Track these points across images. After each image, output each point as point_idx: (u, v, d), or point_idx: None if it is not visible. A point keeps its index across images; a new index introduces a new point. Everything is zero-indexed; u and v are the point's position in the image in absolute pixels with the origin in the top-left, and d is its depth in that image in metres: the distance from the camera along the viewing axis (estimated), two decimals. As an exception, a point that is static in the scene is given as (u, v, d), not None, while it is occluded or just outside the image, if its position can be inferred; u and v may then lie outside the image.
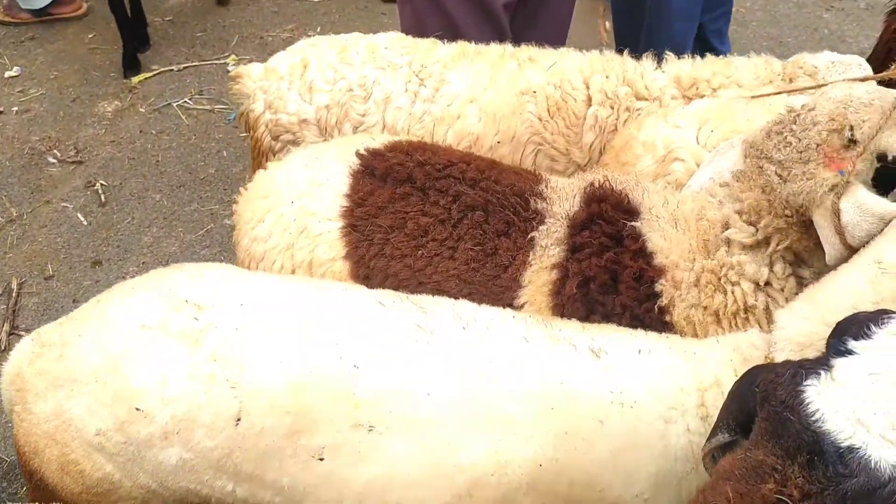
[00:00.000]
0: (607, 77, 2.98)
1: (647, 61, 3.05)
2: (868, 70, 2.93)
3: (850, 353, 1.50)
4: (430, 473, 1.90)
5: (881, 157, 2.16)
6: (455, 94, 2.99)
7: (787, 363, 1.57)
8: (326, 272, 2.48)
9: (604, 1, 4.76)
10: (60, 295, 4.19)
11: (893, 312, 1.56)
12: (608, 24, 4.80)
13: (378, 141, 2.68)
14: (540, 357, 1.97)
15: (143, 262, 4.35)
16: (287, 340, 1.97)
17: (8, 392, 2.05)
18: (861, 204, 2.07)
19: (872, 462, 1.35)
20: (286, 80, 3.12)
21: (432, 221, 2.43)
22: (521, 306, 2.34)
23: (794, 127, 2.23)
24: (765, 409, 1.51)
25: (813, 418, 1.41)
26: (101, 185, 4.81)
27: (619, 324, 2.20)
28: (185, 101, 5.39)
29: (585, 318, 2.26)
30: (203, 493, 1.97)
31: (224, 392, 1.91)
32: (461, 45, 3.15)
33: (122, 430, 1.92)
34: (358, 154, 2.59)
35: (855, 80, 2.64)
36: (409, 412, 1.90)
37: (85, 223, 4.61)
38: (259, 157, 3.18)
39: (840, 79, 2.83)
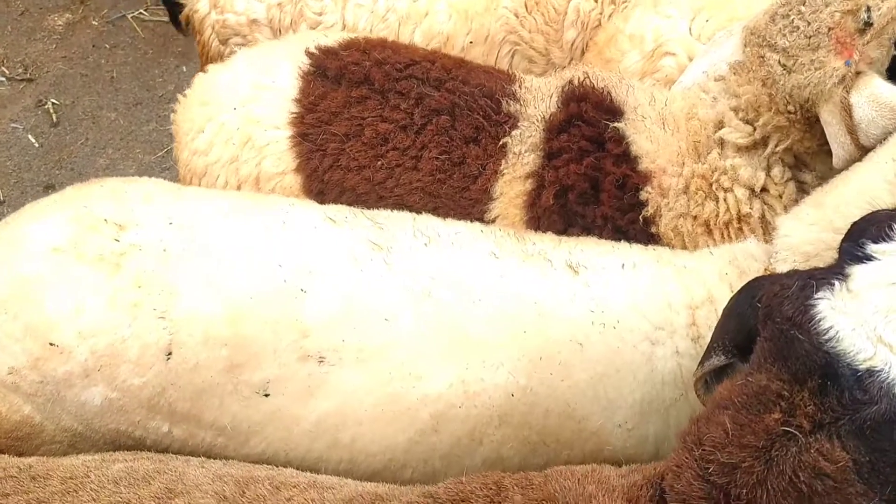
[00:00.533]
0: None
1: None
2: None
3: (868, 258, 1.32)
4: (389, 408, 1.73)
5: (897, 44, 1.98)
6: (422, -12, 2.74)
7: (793, 273, 1.39)
8: (276, 187, 2.28)
9: None
10: (11, 222, 3.97)
11: None
12: None
13: (331, 38, 2.43)
14: (511, 274, 1.79)
15: (99, 186, 4.12)
16: (223, 262, 1.77)
17: None
18: (877, 97, 1.88)
19: (894, 387, 1.18)
20: None
21: (393, 128, 2.22)
22: (493, 220, 2.16)
23: (803, 9, 2.01)
24: (768, 328, 1.33)
25: (826, 337, 1.25)
26: (53, 103, 4.54)
27: (601, 237, 2.01)
28: (141, 13, 5.05)
29: (563, 231, 2.07)
30: (136, 434, 1.79)
31: (151, 323, 1.71)
32: None
33: (37, 368, 1.72)
34: (308, 53, 2.34)
35: None
36: (365, 340, 1.73)
37: (36, 145, 4.35)
38: (207, 63, 2.91)
39: None
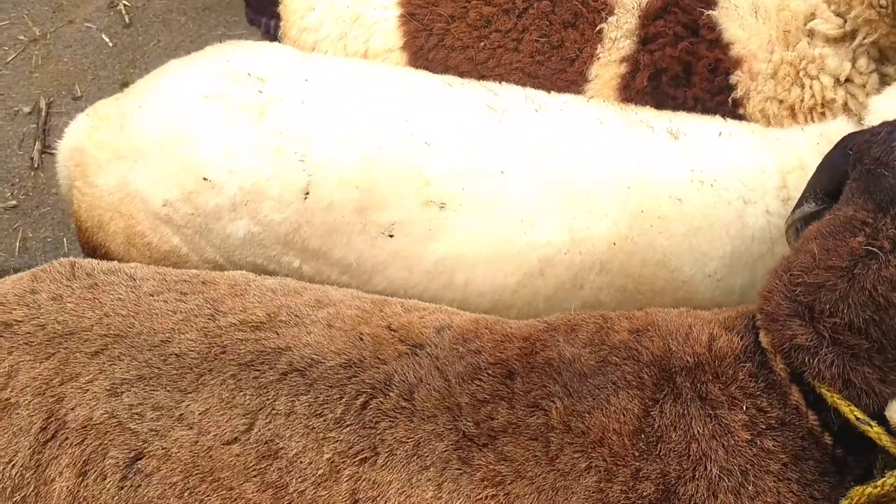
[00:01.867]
0: None
1: None
2: None
3: None
4: (501, 251, 1.90)
5: None
6: None
7: (884, 123, 1.52)
8: (383, 63, 2.40)
9: None
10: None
11: None
12: None
13: None
14: (616, 137, 1.95)
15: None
16: (356, 115, 1.94)
17: (66, 167, 2.04)
18: None
19: None
20: None
21: (496, 11, 2.35)
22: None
23: None
24: (857, 169, 1.48)
25: None
26: (125, 5, 4.62)
27: None
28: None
29: None
30: (270, 268, 1.98)
31: (292, 165, 1.89)
32: None
33: (190, 201, 1.91)
34: None
35: None
36: (482, 190, 1.89)
37: (110, 44, 4.47)
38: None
39: None
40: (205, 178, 1.89)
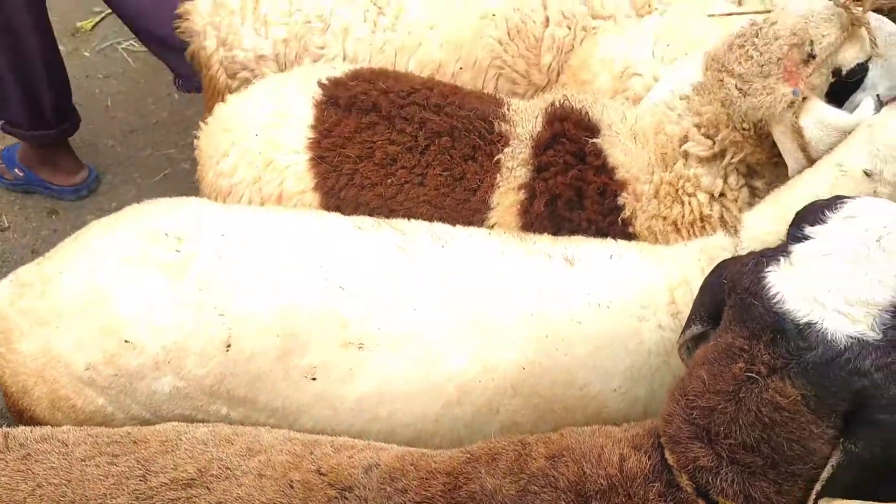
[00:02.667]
0: None
1: None
2: None
3: (806, 238, 1.60)
4: (420, 385, 1.99)
5: (836, 72, 2.25)
6: (415, 21, 2.99)
7: (751, 254, 1.68)
8: (297, 204, 2.53)
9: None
10: (18, 246, 4.15)
11: (848, 198, 1.67)
12: None
13: (339, 69, 2.70)
14: (517, 267, 2.08)
15: (101, 209, 4.29)
16: (271, 266, 2.03)
17: None
18: (822, 119, 2.15)
19: (829, 334, 1.45)
20: (238, 15, 3.04)
21: (400, 149, 2.48)
22: (491, 227, 2.42)
23: (756, 41, 2.28)
24: (731, 298, 1.62)
25: (774, 301, 1.51)
26: (50, 130, 4.70)
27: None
28: (131, 44, 5.24)
29: (554, 234, 2.33)
30: (198, 418, 2.03)
31: (213, 319, 1.97)
32: None
33: (112, 363, 1.97)
34: (320, 84, 2.61)
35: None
36: (397, 328, 1.99)
37: (37, 173, 4.51)
38: (214, 96, 3.13)
39: None
40: (126, 341, 1.95)
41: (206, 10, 3.11)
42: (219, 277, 2.00)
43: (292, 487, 1.64)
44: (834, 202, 1.66)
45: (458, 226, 2.23)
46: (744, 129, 2.29)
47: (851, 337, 1.44)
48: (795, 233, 1.63)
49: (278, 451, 1.72)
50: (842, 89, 2.28)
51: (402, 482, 1.64)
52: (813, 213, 1.64)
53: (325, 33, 2.98)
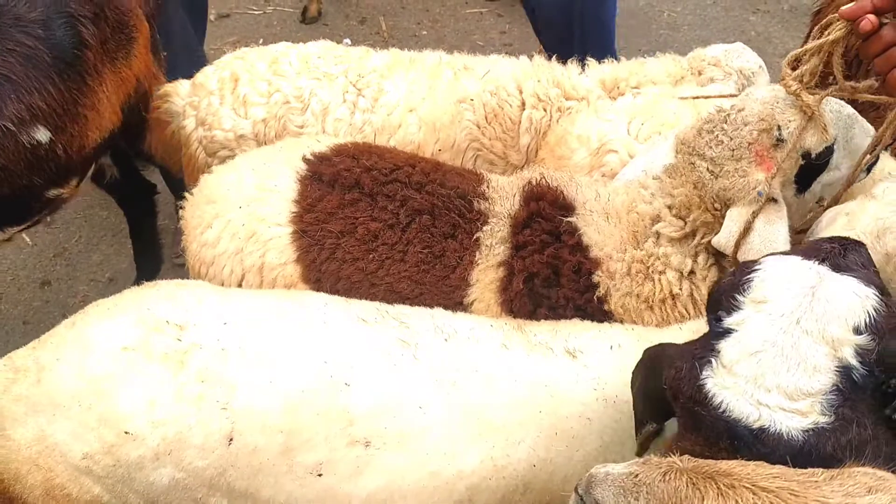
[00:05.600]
0: (539, 81, 3.04)
1: (572, 66, 3.16)
2: (750, 54, 3.13)
3: (727, 332, 1.54)
4: (430, 483, 1.90)
5: (805, 156, 2.27)
6: (394, 103, 3.00)
7: (682, 352, 1.62)
8: (278, 276, 2.49)
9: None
10: (10, 317, 4.08)
11: (752, 269, 1.60)
12: None
13: (323, 143, 2.67)
14: (521, 363, 2.01)
15: (94, 280, 4.25)
16: (274, 360, 1.95)
17: None
18: (769, 236, 2.17)
19: (784, 435, 1.43)
20: (217, 96, 3.07)
21: (382, 226, 2.45)
22: (471, 303, 2.38)
23: (725, 126, 2.30)
24: (678, 405, 1.57)
25: (720, 409, 1.48)
26: (46, 204, 4.68)
27: (564, 314, 2.27)
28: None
29: (532, 311, 2.32)
30: None
31: (215, 413, 1.87)
32: (393, 54, 3.18)
33: (111, 453, 1.87)
34: (305, 159, 2.58)
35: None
36: (404, 426, 1.90)
37: (31, 244, 4.48)
38: (194, 174, 3.11)
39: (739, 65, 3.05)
40: (126, 432, 1.85)
41: (185, 92, 3.15)
42: (221, 369, 1.90)
43: None
44: (740, 279, 1.58)
45: (459, 314, 2.19)
46: (715, 209, 2.28)
47: (806, 431, 1.42)
48: (716, 327, 1.57)
49: None
50: (809, 170, 2.29)
51: None
52: (725, 297, 1.58)
53: (305, 113, 2.99)
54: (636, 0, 5.33)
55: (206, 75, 3.14)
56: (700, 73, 3.04)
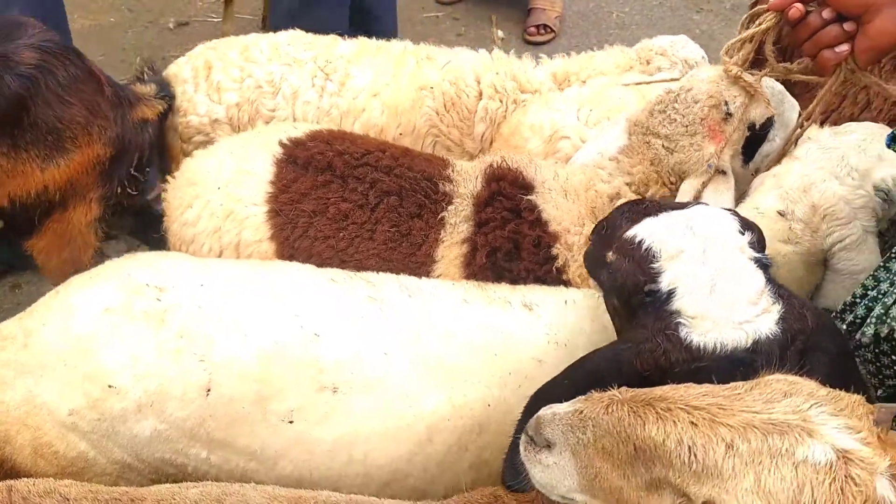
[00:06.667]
0: (497, 73, 3.19)
1: (528, 60, 3.33)
2: (693, 46, 3.35)
3: (670, 294, 1.68)
4: (392, 425, 2.02)
5: (751, 127, 2.49)
6: (360, 88, 3.10)
7: (637, 338, 1.72)
8: (253, 252, 2.57)
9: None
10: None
11: (634, 246, 1.78)
12: (500, 32, 5.24)
13: (300, 130, 2.77)
14: (480, 313, 2.15)
15: (65, 281, 4.14)
16: (249, 315, 2.05)
17: None
18: (715, 203, 2.29)
19: (771, 335, 1.62)
20: (191, 83, 3.13)
21: (352, 207, 2.55)
22: (438, 278, 2.49)
23: (677, 105, 2.48)
24: (671, 377, 1.60)
25: (718, 351, 1.62)
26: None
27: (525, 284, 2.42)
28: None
29: (496, 283, 2.42)
30: (178, 461, 2.02)
31: (193, 365, 1.97)
32: (361, 42, 3.28)
33: (95, 408, 1.95)
34: (281, 143, 2.67)
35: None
36: (369, 373, 2.03)
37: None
38: (171, 160, 3.16)
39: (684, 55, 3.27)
40: (110, 386, 1.94)
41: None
42: (199, 325, 2.00)
43: None
44: (637, 260, 1.75)
45: (424, 278, 2.31)
46: (671, 183, 2.47)
47: (778, 322, 1.61)
48: (654, 297, 1.69)
49: None
50: (752, 141, 2.51)
51: None
52: (641, 275, 1.73)
53: (276, 97, 3.07)
54: (586, 2, 5.57)
55: (178, 66, 3.20)
56: (648, 63, 3.21)
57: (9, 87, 2.58)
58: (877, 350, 1.96)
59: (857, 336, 1.99)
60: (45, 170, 2.75)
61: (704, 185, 2.40)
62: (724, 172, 2.42)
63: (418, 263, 2.54)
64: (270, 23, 4.24)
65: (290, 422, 2.00)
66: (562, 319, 2.17)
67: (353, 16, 4.26)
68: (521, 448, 1.44)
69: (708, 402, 1.26)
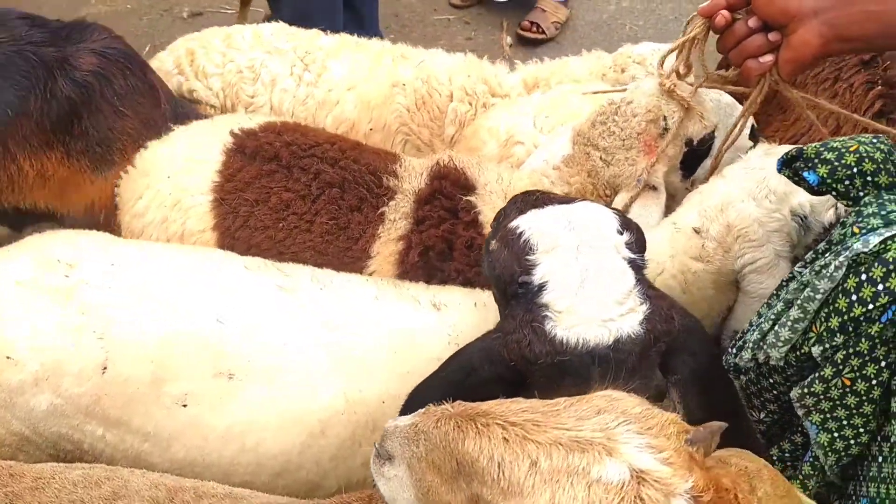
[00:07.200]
0: (469, 76, 3.16)
1: (502, 65, 3.29)
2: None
3: (541, 287, 1.67)
4: (286, 416, 2.01)
5: (688, 143, 2.43)
6: (335, 80, 3.12)
7: (505, 329, 1.72)
8: (196, 242, 2.57)
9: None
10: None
11: (514, 236, 1.75)
12: (509, 39, 5.18)
13: (254, 121, 2.76)
14: (387, 310, 2.13)
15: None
16: (154, 296, 2.06)
17: None
18: (641, 218, 2.28)
19: (633, 335, 1.62)
20: (175, 72, 3.20)
21: (294, 197, 2.54)
22: (370, 275, 2.47)
23: (616, 118, 2.44)
24: (535, 369, 1.65)
25: (580, 347, 1.61)
26: None
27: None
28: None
29: (426, 283, 2.38)
30: (75, 437, 2.03)
31: (91, 343, 1.99)
32: (342, 37, 3.29)
33: None
34: (232, 133, 2.67)
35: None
36: (267, 361, 2.02)
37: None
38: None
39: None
40: (8, 357, 1.97)
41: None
42: (102, 303, 2.02)
43: None
44: (514, 251, 1.73)
45: (342, 272, 2.28)
46: (606, 196, 2.42)
47: (642, 322, 1.62)
48: (526, 289, 1.68)
49: (141, 497, 1.72)
50: (693, 156, 2.46)
51: None
52: (517, 266, 1.71)
53: (256, 83, 3.12)
54: (600, 13, 5.46)
55: (160, 60, 3.27)
56: (623, 71, 3.13)
57: (62, 91, 2.61)
58: (758, 372, 1.86)
59: (734, 360, 1.89)
60: (94, 182, 2.75)
61: (633, 199, 2.33)
62: (654, 188, 2.34)
63: (353, 258, 2.50)
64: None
65: (185, 405, 2.00)
66: (467, 320, 2.11)
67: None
68: (371, 459, 1.44)
69: (525, 418, 1.25)
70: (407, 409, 1.70)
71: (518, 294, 1.71)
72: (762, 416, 1.92)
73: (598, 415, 1.24)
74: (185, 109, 2.92)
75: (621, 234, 1.72)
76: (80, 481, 1.76)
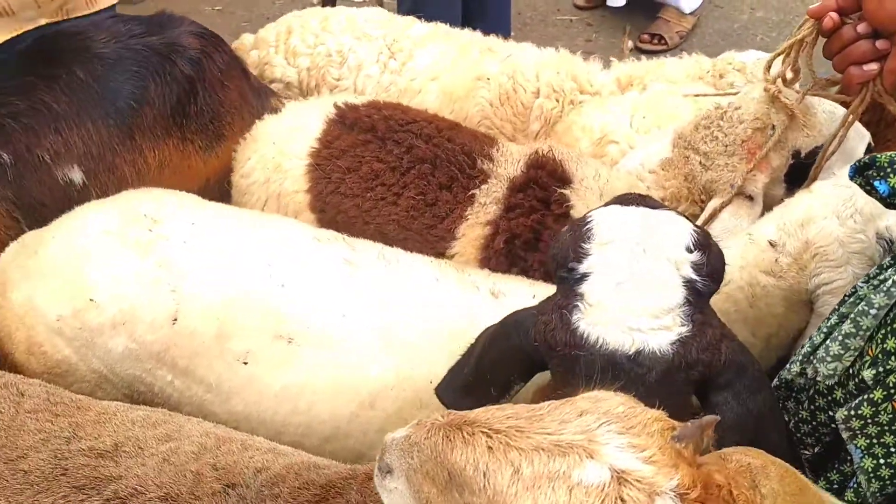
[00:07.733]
0: (557, 73, 2.94)
1: (594, 62, 3.08)
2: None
3: (584, 276, 1.57)
4: (338, 384, 1.96)
5: (795, 154, 2.21)
6: (419, 70, 2.99)
7: (542, 308, 1.62)
8: (290, 202, 2.52)
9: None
10: None
11: (586, 222, 1.66)
12: (630, 43, 4.93)
13: (360, 100, 2.71)
14: (447, 293, 2.04)
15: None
16: (226, 256, 2.02)
17: None
18: (729, 226, 2.20)
19: (657, 352, 1.48)
20: (273, 46, 3.19)
21: (384, 168, 2.43)
22: (452, 256, 2.34)
23: (722, 123, 2.24)
24: (554, 355, 1.56)
25: (598, 345, 1.50)
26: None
27: (534, 278, 2.21)
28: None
29: (506, 271, 2.26)
30: (147, 381, 2.02)
31: (165, 295, 1.97)
32: (434, 26, 3.15)
33: (77, 317, 1.97)
34: (336, 105, 2.60)
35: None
36: (325, 329, 1.96)
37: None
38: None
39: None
40: (91, 299, 1.96)
41: (250, 43, 3.30)
42: (178, 259, 2.00)
43: (185, 476, 1.61)
44: (580, 232, 1.64)
45: (411, 252, 2.18)
46: (701, 201, 2.20)
47: (674, 342, 1.48)
48: (570, 276, 1.58)
49: (191, 442, 1.68)
50: (799, 169, 2.23)
51: (277, 488, 1.60)
52: (573, 250, 1.62)
53: (342, 67, 3.06)
54: (731, 22, 5.08)
55: (266, 30, 3.28)
56: (721, 77, 2.88)
57: (182, 71, 2.62)
58: (808, 394, 1.68)
59: (785, 375, 1.72)
60: (207, 161, 2.75)
61: (724, 204, 2.13)
62: (750, 198, 2.14)
63: (437, 237, 2.36)
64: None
65: (245, 363, 1.94)
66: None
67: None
68: (375, 474, 1.39)
69: (509, 425, 1.18)
70: (445, 381, 1.75)
71: (564, 278, 1.60)
72: (817, 449, 1.74)
73: (580, 417, 1.18)
74: (263, 85, 2.93)
75: (690, 251, 1.56)
76: (139, 420, 1.73)
